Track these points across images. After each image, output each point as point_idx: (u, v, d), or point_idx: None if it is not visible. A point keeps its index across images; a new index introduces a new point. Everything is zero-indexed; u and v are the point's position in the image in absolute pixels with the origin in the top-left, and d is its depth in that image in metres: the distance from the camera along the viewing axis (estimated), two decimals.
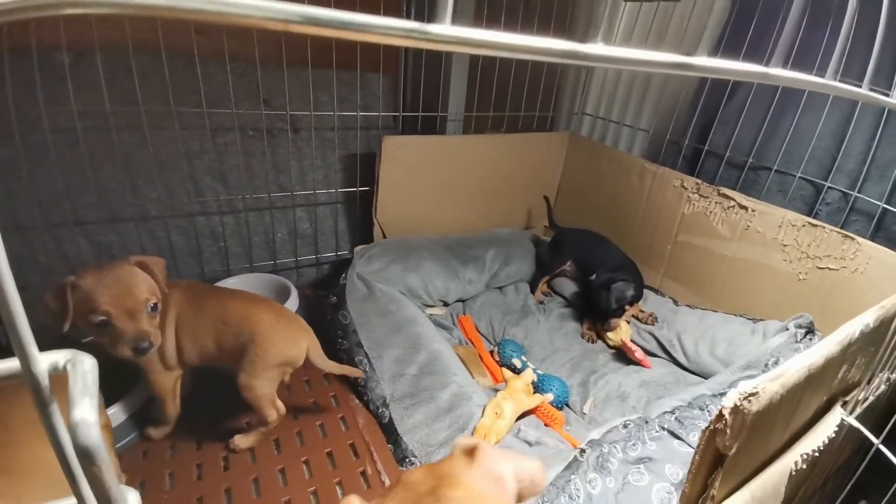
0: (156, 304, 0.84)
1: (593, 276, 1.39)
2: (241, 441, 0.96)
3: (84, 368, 0.16)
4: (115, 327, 0.79)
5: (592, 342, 1.38)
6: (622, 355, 1.30)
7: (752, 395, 0.52)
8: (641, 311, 1.40)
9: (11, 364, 0.17)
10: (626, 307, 1.33)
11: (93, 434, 0.15)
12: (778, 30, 1.21)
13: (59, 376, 0.20)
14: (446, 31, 0.17)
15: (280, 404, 0.96)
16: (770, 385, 0.54)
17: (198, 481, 0.89)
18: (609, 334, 1.34)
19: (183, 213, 1.37)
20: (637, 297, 1.36)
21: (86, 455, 0.15)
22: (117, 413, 0.93)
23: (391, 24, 0.16)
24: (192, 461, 0.93)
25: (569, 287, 1.57)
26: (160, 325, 0.87)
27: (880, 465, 0.67)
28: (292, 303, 1.27)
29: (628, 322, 1.37)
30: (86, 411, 0.15)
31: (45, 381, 0.17)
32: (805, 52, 1.13)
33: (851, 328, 0.69)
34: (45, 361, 0.17)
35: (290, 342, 0.93)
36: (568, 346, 1.35)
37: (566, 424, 1.10)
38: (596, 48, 0.20)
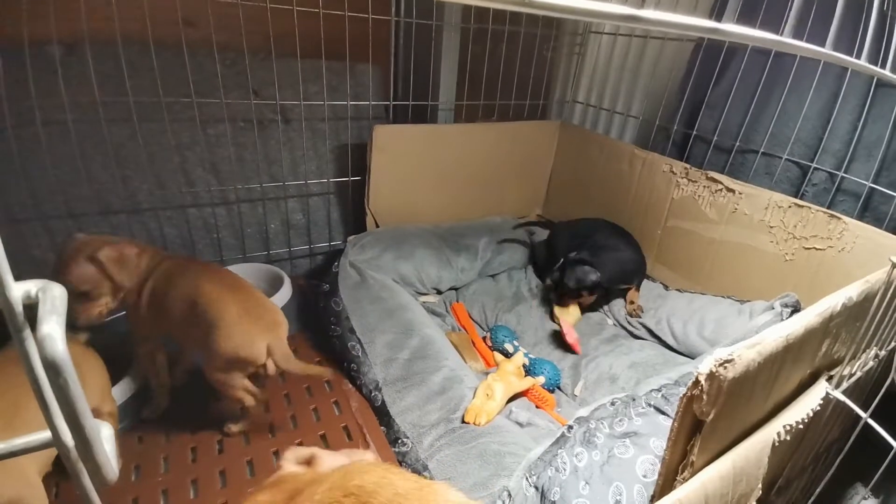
0: (88, 292, 0.87)
1: (573, 254, 1.39)
2: (234, 427, 0.97)
3: (54, 294, 0.17)
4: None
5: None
6: (612, 339, 1.31)
7: (727, 361, 0.53)
8: (631, 301, 1.41)
9: None
10: (584, 293, 1.35)
11: (58, 347, 0.16)
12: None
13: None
14: None
15: (253, 388, 0.94)
16: (746, 352, 0.55)
17: (192, 464, 0.91)
18: (556, 309, 1.37)
19: (175, 205, 1.37)
20: (600, 285, 1.35)
21: (52, 367, 0.16)
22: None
23: None
24: (187, 445, 0.94)
25: None
26: (136, 295, 0.91)
27: (874, 446, 0.68)
28: (285, 292, 1.28)
29: (579, 306, 1.40)
30: (52, 327, 0.16)
31: (19, 306, 0.18)
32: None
33: (833, 301, 0.70)
34: (19, 289, 0.18)
35: (246, 342, 0.89)
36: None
37: (557, 406, 1.11)
38: None
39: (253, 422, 0.99)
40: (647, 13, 0.24)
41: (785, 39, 0.31)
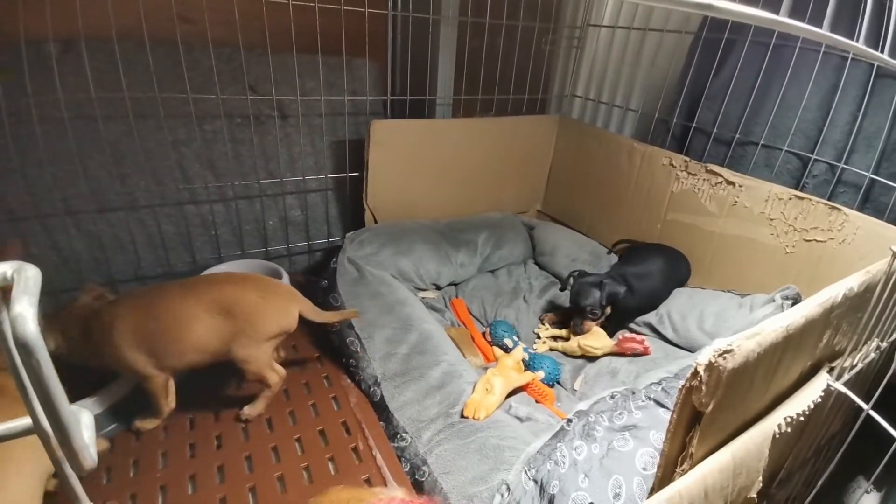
0: None
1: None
2: (251, 409, 0.98)
3: (27, 275, 0.17)
4: None
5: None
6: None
7: (727, 352, 0.52)
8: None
9: None
10: (591, 313, 1.21)
11: (30, 326, 0.15)
12: None
13: None
14: None
15: (279, 367, 1.00)
16: (746, 343, 0.55)
17: (191, 459, 0.90)
18: (587, 343, 1.21)
19: (172, 202, 1.37)
20: (608, 304, 1.24)
21: (24, 347, 0.15)
22: (94, 404, 0.94)
23: None
24: (185, 441, 0.94)
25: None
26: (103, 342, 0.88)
27: (877, 437, 0.67)
28: None
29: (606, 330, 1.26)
30: (24, 307, 0.16)
31: None
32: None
33: (834, 291, 0.70)
34: None
35: (282, 313, 0.97)
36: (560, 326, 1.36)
37: (557, 401, 1.11)
38: None
39: (266, 402, 1.00)
40: None
41: (783, 19, 0.30)
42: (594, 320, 1.24)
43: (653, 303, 1.32)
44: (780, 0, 1.13)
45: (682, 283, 1.38)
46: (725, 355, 0.51)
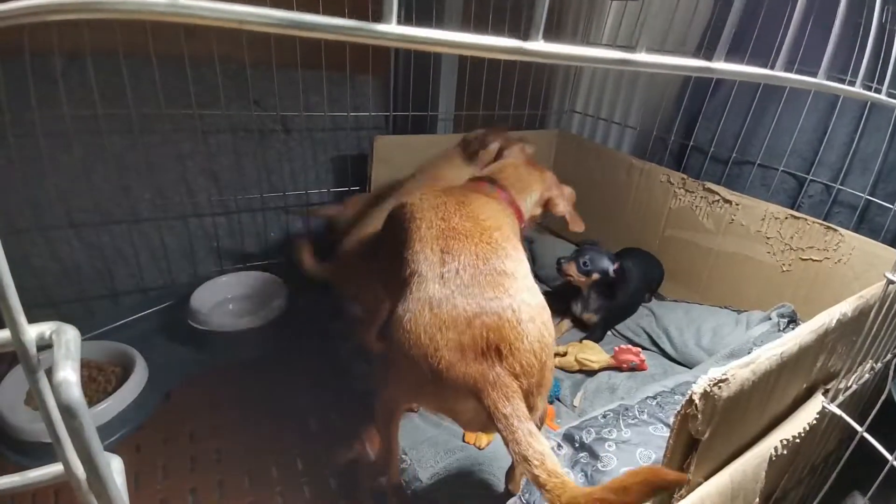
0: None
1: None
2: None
3: (67, 337, 0.18)
4: None
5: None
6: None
7: (721, 381, 0.53)
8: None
9: (2, 334, 0.19)
10: (584, 265, 1.28)
11: (74, 392, 0.16)
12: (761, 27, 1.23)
13: None
14: (391, 29, 0.19)
15: None
16: (740, 371, 0.56)
17: (190, 473, 0.91)
18: (584, 357, 1.22)
19: (175, 215, 1.38)
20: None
21: (68, 411, 0.17)
22: (107, 409, 0.94)
23: (340, 23, 0.18)
24: (186, 454, 0.94)
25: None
26: None
27: (872, 455, 0.68)
28: (281, 302, 1.29)
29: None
30: (68, 373, 0.17)
31: (32, 349, 0.19)
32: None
33: (828, 317, 0.71)
34: (32, 331, 0.19)
35: None
36: (559, 343, 1.36)
37: (556, 418, 1.11)
38: (538, 45, 0.22)
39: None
40: (639, 56, 0.25)
41: (775, 73, 0.32)
42: (582, 274, 1.29)
43: (634, 302, 1.38)
44: (774, 33, 1.15)
45: (657, 283, 1.45)
46: (721, 384, 0.52)
